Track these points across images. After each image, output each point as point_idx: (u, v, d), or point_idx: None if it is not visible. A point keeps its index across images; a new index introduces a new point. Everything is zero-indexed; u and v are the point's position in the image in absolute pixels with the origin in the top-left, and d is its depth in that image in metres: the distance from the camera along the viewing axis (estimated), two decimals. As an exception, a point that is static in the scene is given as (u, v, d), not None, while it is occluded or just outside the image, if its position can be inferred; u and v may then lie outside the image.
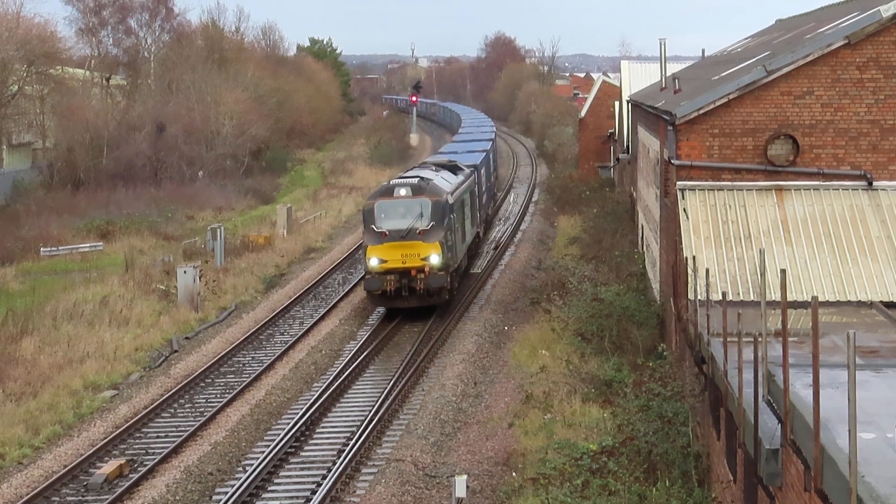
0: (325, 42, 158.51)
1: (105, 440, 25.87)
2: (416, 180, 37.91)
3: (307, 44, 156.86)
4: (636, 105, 42.73)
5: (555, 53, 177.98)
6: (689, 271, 22.23)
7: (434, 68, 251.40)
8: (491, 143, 67.55)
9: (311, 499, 21.89)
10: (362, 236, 37.94)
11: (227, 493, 22.31)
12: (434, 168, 43.51)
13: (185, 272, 39.85)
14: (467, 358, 32.66)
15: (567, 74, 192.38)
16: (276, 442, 25.15)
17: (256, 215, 66.03)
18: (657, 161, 30.79)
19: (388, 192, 37.47)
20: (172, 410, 28.69)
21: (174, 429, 27.09)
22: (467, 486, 20.57)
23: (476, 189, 48.29)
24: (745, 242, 23.14)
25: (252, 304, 41.69)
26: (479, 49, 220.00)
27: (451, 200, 37.89)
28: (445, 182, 39.99)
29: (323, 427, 27.01)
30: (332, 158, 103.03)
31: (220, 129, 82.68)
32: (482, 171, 52.97)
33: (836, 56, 23.94)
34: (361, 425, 26.17)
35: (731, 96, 24.17)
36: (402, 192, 37.01)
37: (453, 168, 45.07)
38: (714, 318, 18.83)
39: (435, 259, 36.20)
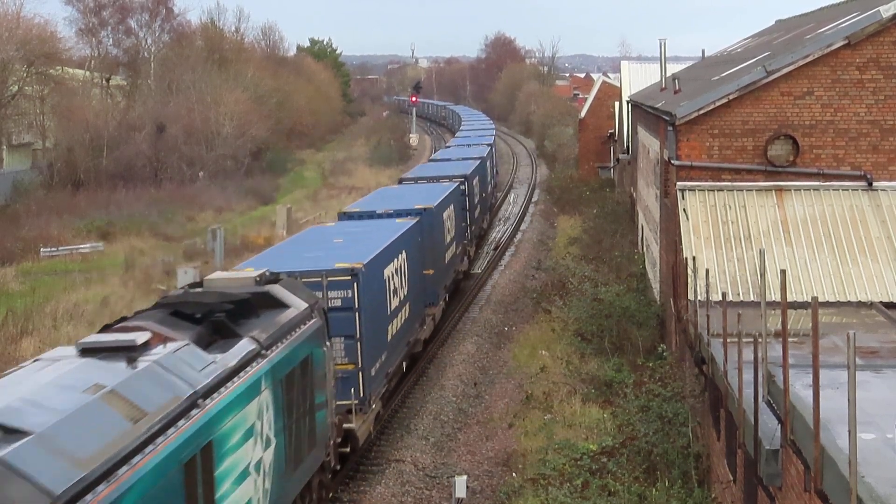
0: (325, 42, 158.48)
1: (105, 441, 25.82)
2: None
3: (307, 44, 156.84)
4: (636, 105, 42.72)
5: (555, 54, 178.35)
6: (689, 272, 22.23)
7: (434, 69, 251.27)
8: (478, 162, 52.62)
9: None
10: None
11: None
12: (172, 325, 15.46)
13: (185, 273, 39.86)
14: (467, 358, 32.65)
15: (567, 75, 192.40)
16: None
17: (257, 216, 66.00)
18: (657, 161, 30.78)
19: None
20: (172, 411, 28.62)
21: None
22: (467, 487, 20.58)
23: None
24: (745, 243, 23.14)
25: (252, 305, 41.60)
26: (479, 49, 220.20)
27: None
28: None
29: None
30: (332, 159, 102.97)
31: (221, 130, 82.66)
32: (418, 248, 31.32)
33: (836, 56, 23.94)
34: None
35: (731, 97, 24.17)
36: None
37: (239, 314, 16.95)
38: (714, 318, 18.83)
39: None
